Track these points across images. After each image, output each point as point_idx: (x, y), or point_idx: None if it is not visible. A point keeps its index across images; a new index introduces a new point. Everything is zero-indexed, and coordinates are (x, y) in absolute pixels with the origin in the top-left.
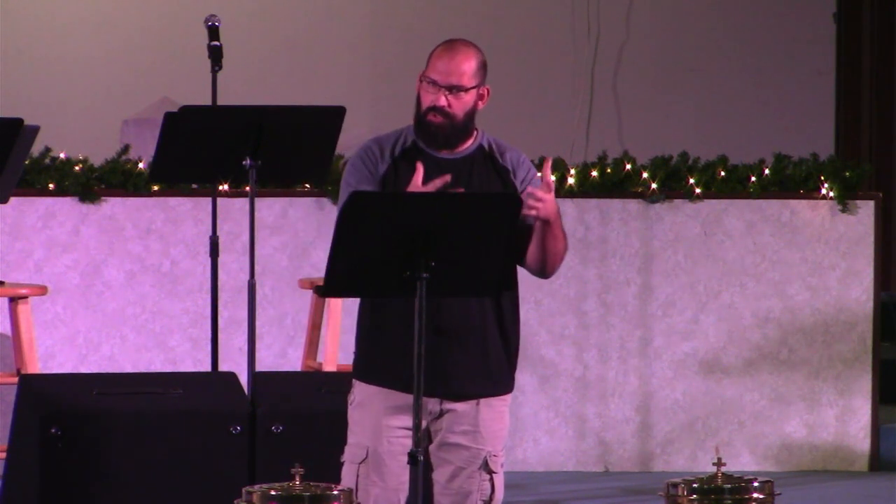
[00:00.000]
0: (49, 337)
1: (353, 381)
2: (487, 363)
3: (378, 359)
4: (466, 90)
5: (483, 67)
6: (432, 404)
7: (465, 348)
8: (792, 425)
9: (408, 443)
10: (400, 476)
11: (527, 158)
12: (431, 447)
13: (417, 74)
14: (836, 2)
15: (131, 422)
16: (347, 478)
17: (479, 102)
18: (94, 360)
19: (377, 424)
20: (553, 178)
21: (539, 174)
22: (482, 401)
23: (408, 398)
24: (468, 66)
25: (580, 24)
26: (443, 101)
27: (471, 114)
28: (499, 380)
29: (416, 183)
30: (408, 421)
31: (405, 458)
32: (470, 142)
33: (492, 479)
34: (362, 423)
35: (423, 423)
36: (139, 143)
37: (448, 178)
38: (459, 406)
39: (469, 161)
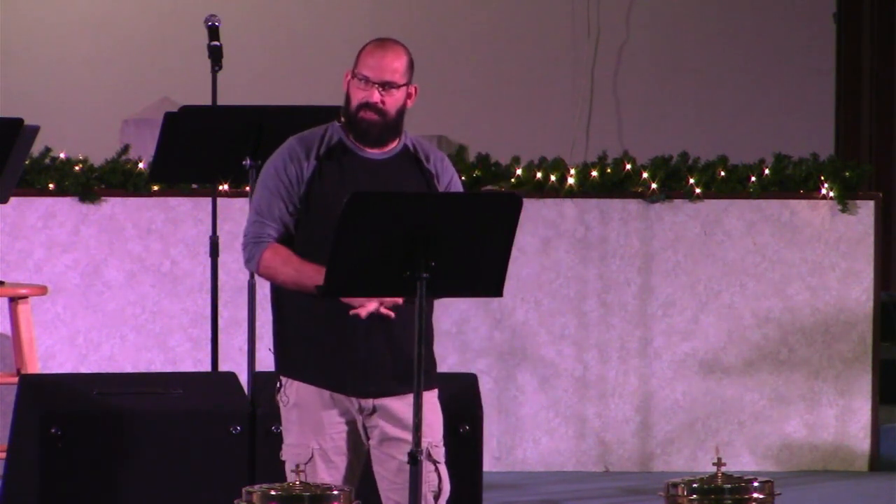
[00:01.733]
0: (49, 337)
1: (283, 378)
2: (411, 360)
3: (308, 358)
4: (398, 87)
5: (411, 67)
6: (364, 401)
7: (389, 346)
8: (792, 425)
9: (348, 437)
10: (345, 470)
11: (449, 161)
12: (372, 443)
13: (345, 72)
14: (836, 2)
15: (131, 422)
16: (293, 478)
17: (409, 101)
18: (94, 360)
19: (318, 423)
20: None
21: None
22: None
23: (340, 395)
24: (399, 64)
25: (580, 24)
26: (376, 97)
27: (401, 112)
28: (428, 374)
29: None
30: (345, 414)
31: (348, 452)
32: (396, 141)
33: (437, 470)
34: (302, 424)
35: (359, 420)
36: (139, 143)
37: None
38: (392, 401)
39: (396, 161)
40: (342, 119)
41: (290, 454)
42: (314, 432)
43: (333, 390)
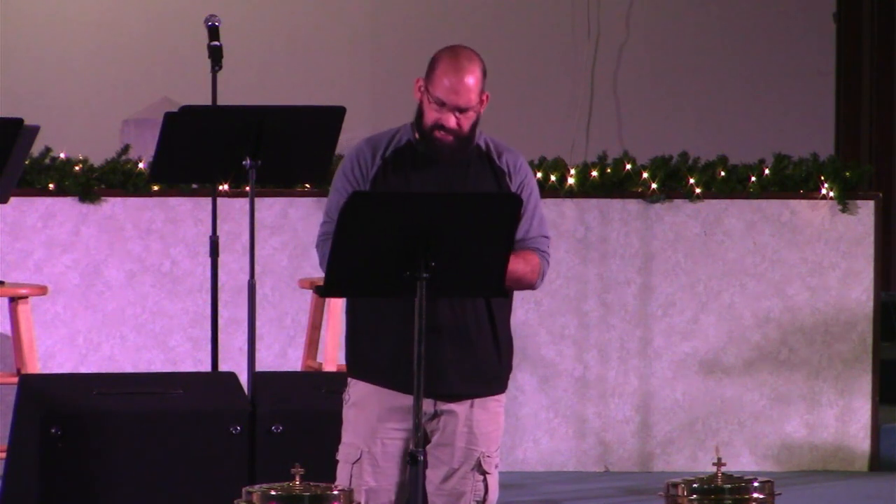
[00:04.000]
0: (49, 337)
1: (349, 379)
2: (479, 363)
3: (372, 358)
4: (474, 106)
5: (485, 75)
6: (426, 405)
7: (457, 348)
8: (792, 425)
9: (402, 444)
10: (394, 476)
11: (525, 163)
12: (428, 447)
13: (416, 78)
14: (836, 2)
15: (131, 422)
16: (342, 477)
17: (481, 108)
18: (94, 360)
19: (372, 426)
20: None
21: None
22: (476, 401)
23: (403, 398)
24: (475, 83)
25: (580, 24)
26: (453, 123)
27: (476, 123)
28: (491, 380)
29: None
30: (402, 421)
31: (399, 459)
32: None
33: (485, 480)
34: (356, 424)
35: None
36: (139, 143)
37: None
38: (453, 406)
39: (465, 159)
40: (415, 131)
41: (342, 453)
42: (366, 434)
43: (399, 390)
